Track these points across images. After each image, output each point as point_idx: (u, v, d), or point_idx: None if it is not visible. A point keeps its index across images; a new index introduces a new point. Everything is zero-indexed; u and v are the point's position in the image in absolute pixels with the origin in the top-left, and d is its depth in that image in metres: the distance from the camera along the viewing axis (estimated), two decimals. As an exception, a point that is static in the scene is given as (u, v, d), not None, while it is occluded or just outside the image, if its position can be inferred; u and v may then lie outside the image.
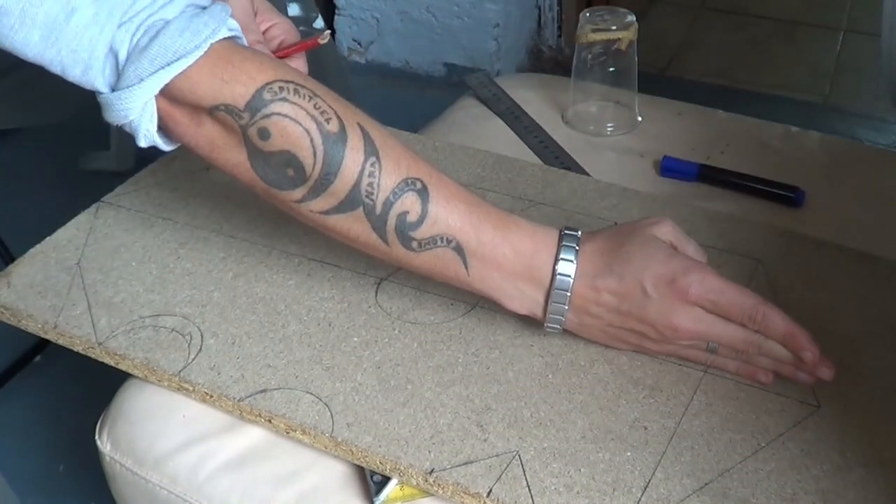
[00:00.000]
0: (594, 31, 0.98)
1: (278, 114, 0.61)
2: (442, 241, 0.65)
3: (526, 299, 0.68)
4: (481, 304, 0.75)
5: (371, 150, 0.63)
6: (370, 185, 0.63)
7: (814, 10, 2.36)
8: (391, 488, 0.64)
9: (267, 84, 0.62)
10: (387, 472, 0.64)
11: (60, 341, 0.76)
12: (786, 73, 2.13)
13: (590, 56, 0.99)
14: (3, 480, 1.04)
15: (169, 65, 0.61)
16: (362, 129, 0.63)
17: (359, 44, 2.20)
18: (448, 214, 0.65)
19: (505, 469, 0.62)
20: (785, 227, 0.84)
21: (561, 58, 2.13)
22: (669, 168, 0.94)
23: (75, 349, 0.75)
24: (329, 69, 1.18)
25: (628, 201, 0.87)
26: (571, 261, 0.66)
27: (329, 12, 2.18)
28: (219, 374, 0.70)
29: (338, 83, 1.17)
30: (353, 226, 0.65)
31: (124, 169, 1.46)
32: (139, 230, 0.85)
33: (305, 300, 0.77)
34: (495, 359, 0.71)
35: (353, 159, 0.62)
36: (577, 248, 0.66)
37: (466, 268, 0.66)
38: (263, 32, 0.75)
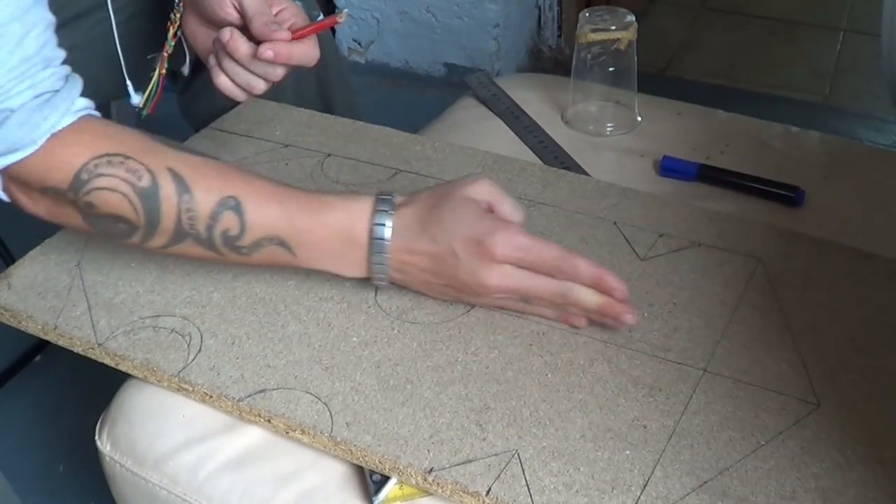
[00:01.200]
0: (594, 31, 0.98)
1: (97, 188, 0.70)
2: (266, 242, 0.72)
3: (354, 265, 0.73)
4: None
5: (182, 188, 0.70)
6: (190, 218, 0.70)
7: (814, 10, 2.36)
8: (390, 488, 0.64)
9: (84, 165, 0.70)
10: (386, 472, 0.64)
11: (60, 342, 0.76)
12: (786, 73, 2.13)
13: (589, 56, 0.99)
14: (4, 480, 1.04)
15: (4, 155, 0.69)
16: (172, 171, 0.70)
17: (359, 44, 2.20)
18: (264, 219, 0.71)
19: (504, 468, 0.62)
20: (785, 226, 0.84)
21: (561, 58, 2.13)
22: (669, 168, 0.94)
23: (75, 350, 0.75)
24: (330, 67, 1.17)
25: (628, 201, 0.87)
26: (385, 224, 0.71)
27: (329, 12, 2.17)
28: (218, 374, 0.71)
29: (338, 81, 1.17)
30: (191, 251, 0.73)
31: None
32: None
33: (305, 300, 0.77)
34: (494, 358, 0.71)
35: (168, 204, 0.70)
36: (391, 211, 0.71)
37: (295, 255, 0.73)
38: (275, 15, 0.82)
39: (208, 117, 1.02)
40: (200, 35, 0.89)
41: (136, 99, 0.95)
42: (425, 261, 0.72)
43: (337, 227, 0.72)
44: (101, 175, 0.70)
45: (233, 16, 0.82)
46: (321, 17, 1.16)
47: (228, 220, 0.71)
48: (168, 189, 0.70)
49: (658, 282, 0.77)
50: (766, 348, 0.71)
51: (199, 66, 1.07)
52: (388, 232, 0.71)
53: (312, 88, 1.13)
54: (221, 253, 0.72)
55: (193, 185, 0.70)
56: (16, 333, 0.80)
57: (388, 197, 0.72)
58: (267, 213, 0.71)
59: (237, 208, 0.71)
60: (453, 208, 0.71)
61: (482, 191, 0.73)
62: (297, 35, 0.80)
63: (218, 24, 0.83)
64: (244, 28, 0.82)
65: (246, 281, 0.79)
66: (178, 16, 0.89)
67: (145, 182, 0.70)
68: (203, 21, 0.87)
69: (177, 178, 0.70)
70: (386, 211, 0.71)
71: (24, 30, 0.67)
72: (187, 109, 1.12)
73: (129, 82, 0.95)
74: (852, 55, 2.19)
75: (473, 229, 0.70)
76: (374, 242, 0.71)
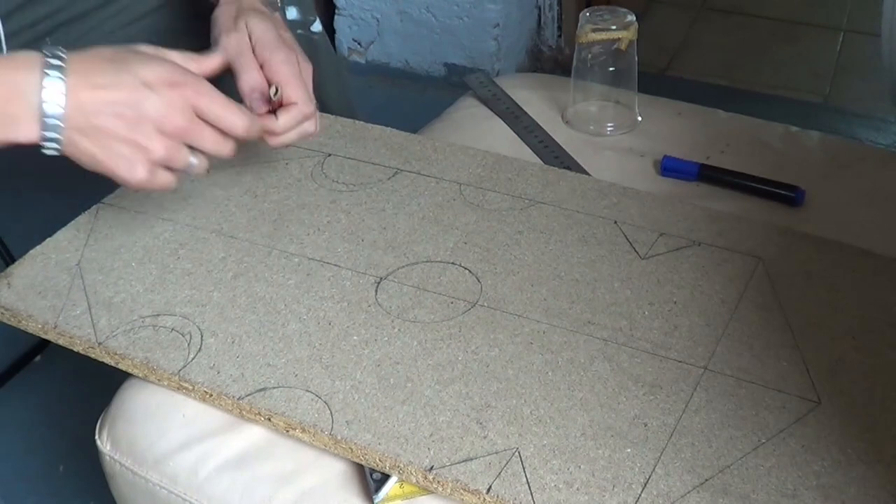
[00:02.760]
0: (594, 30, 0.98)
1: None
2: None
3: (20, 117, 0.67)
4: (481, 302, 0.75)
5: None
6: None
7: (814, 10, 2.36)
8: (391, 486, 0.64)
9: None
10: (386, 470, 0.64)
11: (61, 341, 0.76)
12: (786, 73, 2.13)
13: (590, 56, 0.99)
14: None
15: None
16: None
17: (359, 44, 2.20)
18: None
19: (504, 466, 0.62)
20: (785, 225, 0.84)
21: (561, 58, 2.13)
22: (670, 168, 0.94)
23: (75, 349, 0.75)
24: (326, 71, 1.17)
25: (628, 200, 0.87)
26: (60, 56, 0.67)
27: (329, 12, 2.18)
28: (218, 373, 0.71)
29: (334, 85, 1.17)
30: None
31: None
32: (139, 231, 0.85)
33: (305, 299, 0.77)
34: (495, 357, 0.71)
35: None
36: (64, 57, 0.68)
37: None
38: (262, 66, 0.80)
39: None
40: None
41: None
42: (110, 94, 0.68)
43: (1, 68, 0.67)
44: None
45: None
46: (317, 21, 1.16)
47: None
48: None
49: (659, 280, 0.77)
50: (766, 346, 0.71)
51: None
52: (63, 64, 0.67)
53: None
54: None
55: None
56: (16, 333, 0.80)
57: (59, 51, 0.68)
58: None
59: None
60: (134, 52, 0.72)
61: (146, 48, 0.73)
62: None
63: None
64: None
65: (246, 280, 0.79)
66: None
67: None
68: None
69: None
70: (59, 56, 0.68)
71: None
72: None
73: None
74: (852, 55, 2.19)
75: (168, 72, 0.70)
76: (47, 75, 0.67)
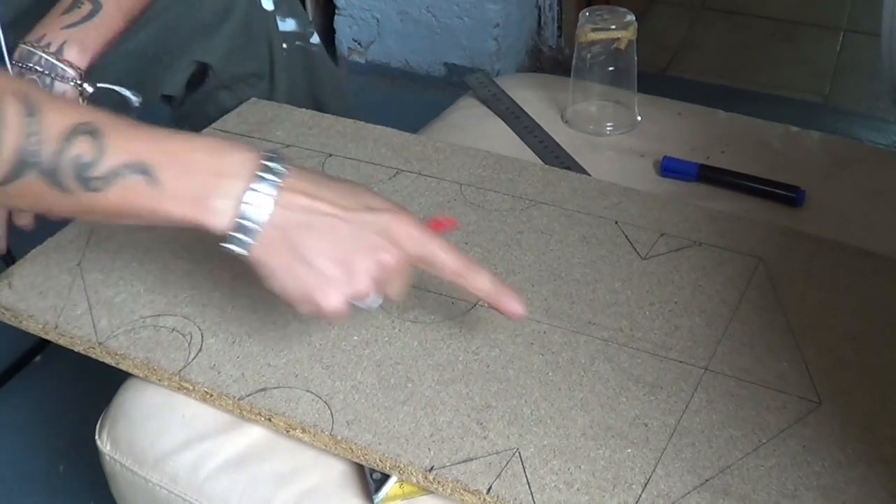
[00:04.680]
0: (594, 30, 0.98)
1: None
2: (126, 171, 0.60)
3: (223, 204, 0.61)
4: (482, 302, 0.75)
5: (29, 111, 0.59)
6: (35, 143, 0.59)
7: (814, 10, 2.36)
8: (391, 486, 0.64)
9: None
10: (386, 470, 0.64)
11: (61, 342, 0.76)
12: (786, 73, 2.13)
13: (589, 56, 0.99)
14: None
15: None
16: (21, 94, 0.60)
17: (359, 44, 2.20)
18: (127, 143, 0.61)
19: (505, 466, 0.62)
20: (785, 225, 0.84)
21: (561, 58, 2.13)
22: (670, 168, 0.94)
23: (76, 349, 0.75)
24: (323, 74, 1.18)
25: (629, 200, 0.87)
26: (277, 156, 0.62)
27: (329, 12, 2.18)
28: (219, 373, 0.71)
29: (331, 87, 1.17)
30: (32, 187, 0.60)
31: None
32: (140, 231, 0.85)
33: (306, 299, 0.77)
34: (495, 357, 0.71)
35: (10, 127, 0.59)
36: (283, 168, 0.62)
37: (156, 187, 0.60)
38: None
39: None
40: None
41: None
42: (329, 194, 0.62)
43: (216, 147, 0.62)
44: None
45: None
46: (314, 34, 1.17)
47: (82, 145, 0.60)
48: (12, 110, 0.59)
49: (659, 281, 0.77)
50: (767, 347, 0.71)
51: (192, 86, 1.08)
52: (280, 164, 0.62)
53: (304, 94, 1.14)
54: (68, 189, 0.60)
55: (44, 108, 0.60)
56: (16, 333, 0.80)
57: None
58: (132, 138, 0.61)
59: (95, 133, 0.60)
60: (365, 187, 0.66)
61: None
62: None
63: None
64: None
65: (246, 280, 0.78)
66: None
67: None
68: None
69: (26, 100, 0.59)
70: (275, 159, 0.62)
71: None
72: (181, 125, 1.12)
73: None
74: (852, 55, 2.19)
75: (385, 204, 0.64)
76: (263, 166, 0.61)
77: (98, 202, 0.61)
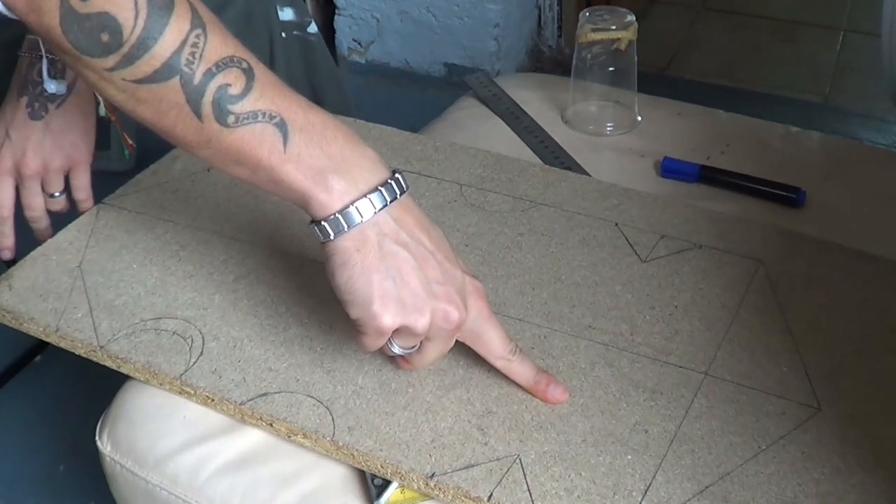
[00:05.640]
0: (594, 30, 0.98)
1: None
2: (263, 117, 0.60)
3: (337, 187, 0.60)
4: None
5: (198, 22, 0.59)
6: (192, 53, 0.58)
7: (814, 10, 2.35)
8: (392, 492, 0.64)
9: None
10: (388, 476, 0.64)
11: (62, 345, 0.76)
12: (786, 73, 2.12)
13: (589, 56, 0.99)
14: None
15: None
16: (193, 6, 0.59)
17: (359, 44, 2.20)
18: (274, 93, 0.60)
19: (506, 473, 0.62)
20: (785, 227, 0.84)
21: (561, 58, 2.13)
22: (670, 169, 0.94)
23: (77, 353, 0.75)
24: (322, 73, 1.17)
25: (630, 202, 0.87)
26: (401, 174, 0.63)
27: (329, 12, 2.18)
28: (220, 377, 0.70)
29: (331, 87, 1.17)
30: (167, 96, 0.59)
31: (123, 169, 1.46)
32: (140, 232, 0.85)
33: (307, 303, 0.76)
34: (496, 361, 0.71)
35: (177, 26, 0.58)
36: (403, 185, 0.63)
37: (285, 144, 0.60)
38: None
39: None
40: None
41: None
42: (421, 230, 0.63)
43: (354, 135, 0.62)
44: None
45: None
46: (312, 22, 1.16)
47: (234, 76, 0.59)
48: (184, 12, 0.58)
49: (659, 284, 0.77)
50: (767, 351, 0.71)
51: None
52: (406, 184, 0.62)
53: (302, 83, 1.13)
54: (201, 113, 0.59)
55: (210, 28, 0.59)
56: (16, 334, 0.80)
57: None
58: (279, 88, 0.61)
59: (249, 73, 0.60)
60: None
61: None
62: None
63: None
64: None
65: (248, 283, 0.79)
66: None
67: None
68: None
69: (195, 11, 0.59)
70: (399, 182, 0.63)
71: None
72: None
73: None
74: (852, 55, 2.18)
75: (467, 267, 0.66)
76: (394, 173, 0.62)
77: (223, 137, 0.60)
